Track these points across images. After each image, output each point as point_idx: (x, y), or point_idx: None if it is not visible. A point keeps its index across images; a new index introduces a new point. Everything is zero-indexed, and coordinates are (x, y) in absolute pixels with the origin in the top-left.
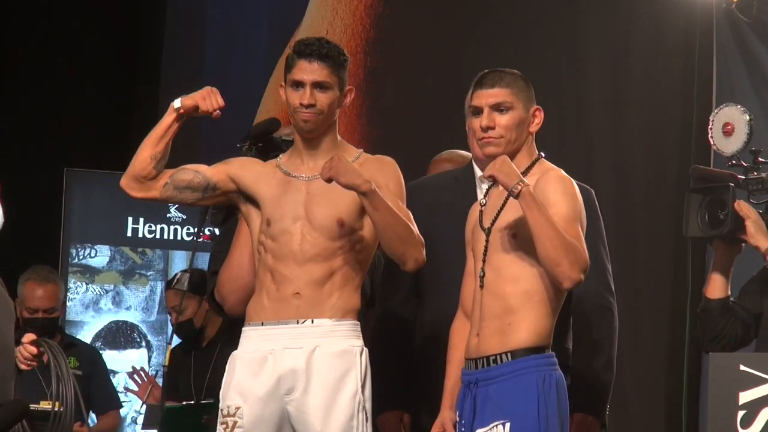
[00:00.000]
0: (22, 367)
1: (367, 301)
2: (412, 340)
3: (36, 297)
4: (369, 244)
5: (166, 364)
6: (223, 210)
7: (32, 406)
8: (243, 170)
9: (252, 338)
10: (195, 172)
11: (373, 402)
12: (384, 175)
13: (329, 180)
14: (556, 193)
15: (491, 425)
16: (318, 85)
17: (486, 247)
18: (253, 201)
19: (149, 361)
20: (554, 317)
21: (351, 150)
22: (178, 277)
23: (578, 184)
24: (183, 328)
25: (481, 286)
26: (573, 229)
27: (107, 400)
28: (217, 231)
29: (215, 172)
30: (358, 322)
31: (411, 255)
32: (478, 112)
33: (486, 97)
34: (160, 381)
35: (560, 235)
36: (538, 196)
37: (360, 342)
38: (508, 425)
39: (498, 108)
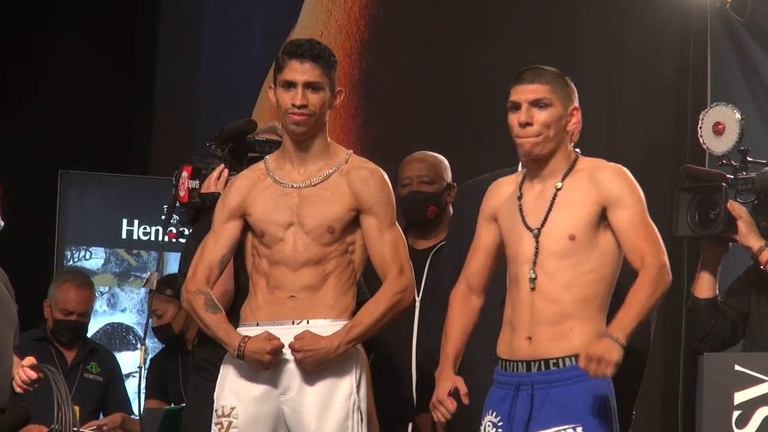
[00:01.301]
0: (18, 390)
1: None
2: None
3: (72, 300)
4: (362, 246)
5: (141, 365)
6: (192, 210)
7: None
8: (240, 202)
9: None
10: (225, 244)
11: (414, 401)
12: (369, 194)
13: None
14: (621, 190)
15: (558, 428)
16: (310, 86)
17: (537, 250)
18: (247, 214)
19: (145, 363)
20: None
21: (340, 152)
22: (147, 277)
23: None
24: (161, 332)
25: (533, 289)
26: (646, 226)
27: (122, 406)
28: (185, 230)
29: (231, 226)
30: None
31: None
32: (516, 107)
33: (525, 92)
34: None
35: (648, 297)
36: (601, 192)
37: None
38: (579, 429)
39: (537, 104)
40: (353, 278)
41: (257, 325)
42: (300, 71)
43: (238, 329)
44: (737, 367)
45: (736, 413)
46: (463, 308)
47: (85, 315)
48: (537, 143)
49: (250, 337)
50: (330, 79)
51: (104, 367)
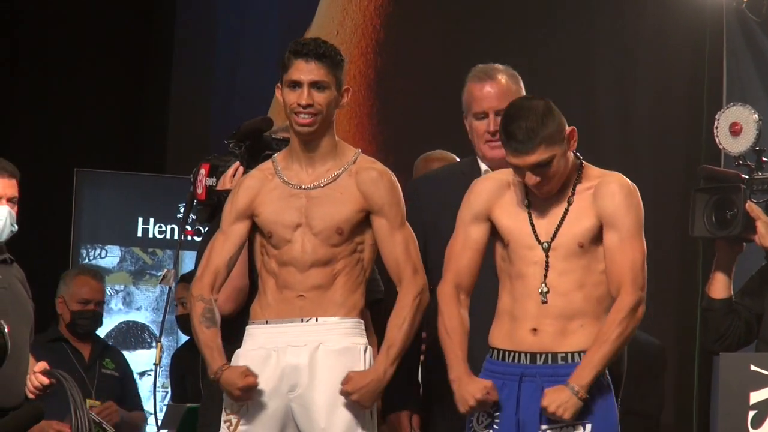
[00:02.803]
0: (30, 395)
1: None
2: (419, 340)
3: (89, 288)
4: (371, 245)
5: (156, 362)
6: (209, 207)
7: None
8: (248, 203)
9: (256, 336)
10: (233, 243)
11: (384, 401)
12: (379, 195)
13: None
14: (617, 209)
15: (567, 424)
16: (315, 85)
17: (547, 263)
18: (255, 215)
19: (160, 361)
20: None
21: (348, 151)
22: (164, 274)
23: None
24: (183, 320)
25: (544, 302)
26: (632, 252)
27: (135, 401)
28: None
29: (239, 226)
30: (362, 320)
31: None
32: (520, 170)
33: (524, 161)
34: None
35: (616, 339)
36: (599, 208)
37: (364, 340)
38: (589, 426)
39: (541, 166)
40: (362, 276)
41: (266, 323)
42: (305, 70)
43: (247, 327)
44: (753, 367)
45: (751, 413)
46: (458, 308)
47: (101, 305)
48: (552, 189)
49: (229, 366)
50: (336, 77)
51: (118, 363)
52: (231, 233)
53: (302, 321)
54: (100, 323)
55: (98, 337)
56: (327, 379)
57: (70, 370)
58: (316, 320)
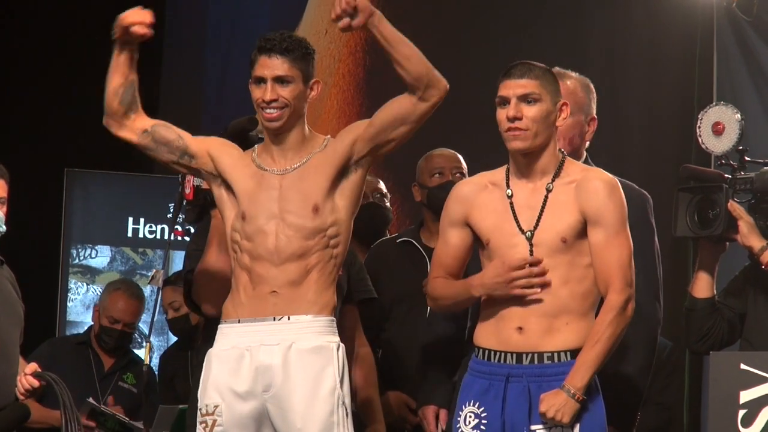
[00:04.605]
0: (20, 397)
1: (344, 297)
2: (461, 338)
3: (120, 309)
4: (343, 239)
5: (146, 362)
6: (197, 207)
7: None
8: (222, 152)
9: (228, 335)
10: (178, 136)
11: (417, 394)
12: (345, 132)
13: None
14: (602, 207)
15: (556, 425)
16: (279, 80)
17: (531, 253)
18: (227, 186)
19: (150, 361)
20: None
21: (318, 138)
22: (152, 274)
23: (635, 188)
24: (177, 323)
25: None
26: (619, 250)
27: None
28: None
29: (196, 144)
30: (335, 318)
31: (434, 81)
32: (504, 102)
33: (514, 87)
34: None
35: (608, 339)
36: (583, 205)
37: (336, 338)
38: (577, 427)
39: (525, 99)
40: (335, 273)
41: (239, 321)
42: (268, 66)
43: (219, 326)
44: (743, 366)
45: (741, 412)
46: (445, 278)
47: (131, 326)
48: (525, 138)
49: None
50: (301, 71)
51: (140, 380)
52: (188, 136)
53: (274, 320)
54: (128, 341)
55: (130, 351)
56: (301, 379)
57: (87, 376)
58: (288, 318)
